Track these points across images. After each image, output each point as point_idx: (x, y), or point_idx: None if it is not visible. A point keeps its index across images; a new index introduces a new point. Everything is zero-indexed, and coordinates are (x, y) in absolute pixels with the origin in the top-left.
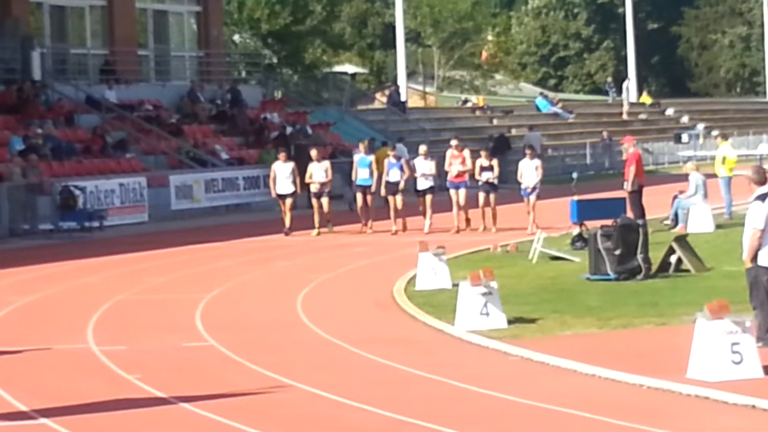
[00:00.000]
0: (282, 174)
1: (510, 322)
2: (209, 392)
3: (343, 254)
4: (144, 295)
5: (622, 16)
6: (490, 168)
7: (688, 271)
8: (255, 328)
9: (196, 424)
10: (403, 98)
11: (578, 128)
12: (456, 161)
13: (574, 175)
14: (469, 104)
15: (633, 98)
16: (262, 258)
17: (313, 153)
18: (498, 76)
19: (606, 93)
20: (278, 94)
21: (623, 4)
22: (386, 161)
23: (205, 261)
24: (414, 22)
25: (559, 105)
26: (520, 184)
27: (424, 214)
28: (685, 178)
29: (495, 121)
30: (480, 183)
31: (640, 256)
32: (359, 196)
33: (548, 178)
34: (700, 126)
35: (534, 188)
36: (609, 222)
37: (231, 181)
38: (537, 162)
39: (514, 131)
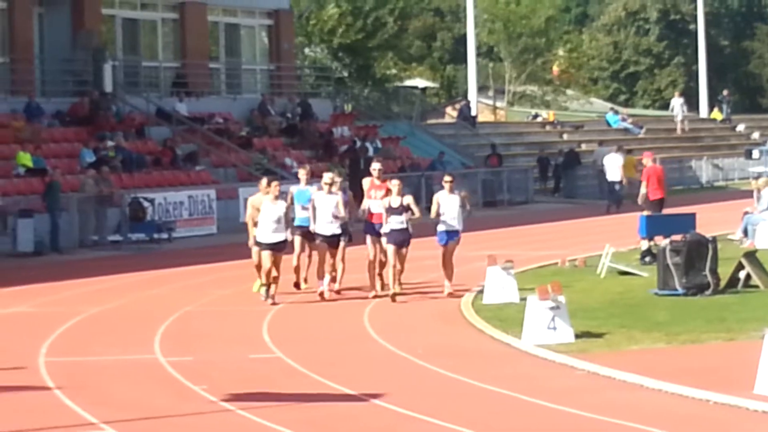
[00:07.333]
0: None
1: (577, 336)
2: (275, 404)
3: (410, 267)
4: (211, 306)
5: (694, 32)
6: (402, 209)
7: (756, 286)
8: (322, 341)
9: None
10: (473, 113)
11: (648, 144)
12: (378, 194)
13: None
14: (539, 119)
15: (704, 114)
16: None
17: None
18: (569, 92)
19: (720, 107)
20: (348, 108)
21: (695, 21)
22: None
23: None
24: (489, 38)
25: (630, 120)
26: (437, 225)
27: (331, 267)
28: (751, 194)
29: (565, 136)
30: (386, 231)
31: (708, 272)
32: (297, 240)
33: None
34: None
35: (458, 232)
36: (678, 237)
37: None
38: (463, 193)
39: (584, 146)
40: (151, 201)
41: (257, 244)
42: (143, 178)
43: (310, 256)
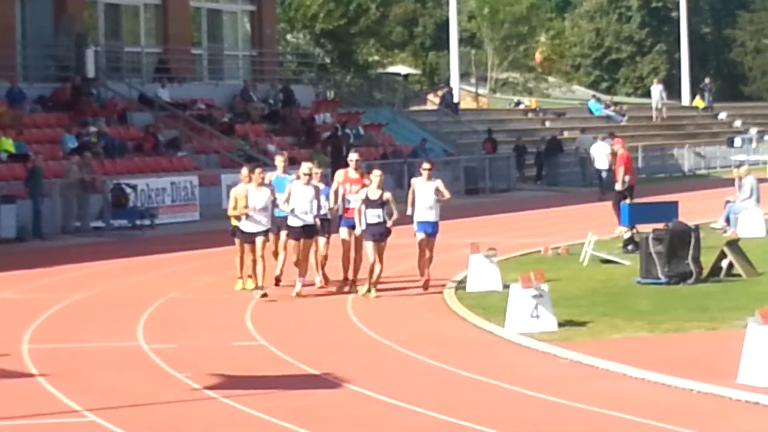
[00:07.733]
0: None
1: (560, 324)
2: (259, 392)
3: (393, 255)
4: (194, 293)
5: (676, 20)
6: (381, 203)
7: (739, 275)
8: (305, 329)
9: (245, 424)
10: (455, 99)
11: (630, 131)
12: (353, 188)
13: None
14: (521, 106)
15: (686, 101)
16: None
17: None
18: (551, 79)
19: (702, 94)
20: (330, 94)
21: (677, 8)
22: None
23: None
24: (472, 24)
25: (612, 108)
26: (413, 213)
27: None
28: (733, 182)
29: (547, 124)
30: (363, 225)
31: (691, 260)
32: (282, 234)
33: None
34: (753, 130)
35: (435, 224)
36: (660, 225)
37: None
38: (438, 183)
39: (566, 134)
40: (134, 187)
41: (242, 234)
42: (125, 164)
43: (284, 248)
